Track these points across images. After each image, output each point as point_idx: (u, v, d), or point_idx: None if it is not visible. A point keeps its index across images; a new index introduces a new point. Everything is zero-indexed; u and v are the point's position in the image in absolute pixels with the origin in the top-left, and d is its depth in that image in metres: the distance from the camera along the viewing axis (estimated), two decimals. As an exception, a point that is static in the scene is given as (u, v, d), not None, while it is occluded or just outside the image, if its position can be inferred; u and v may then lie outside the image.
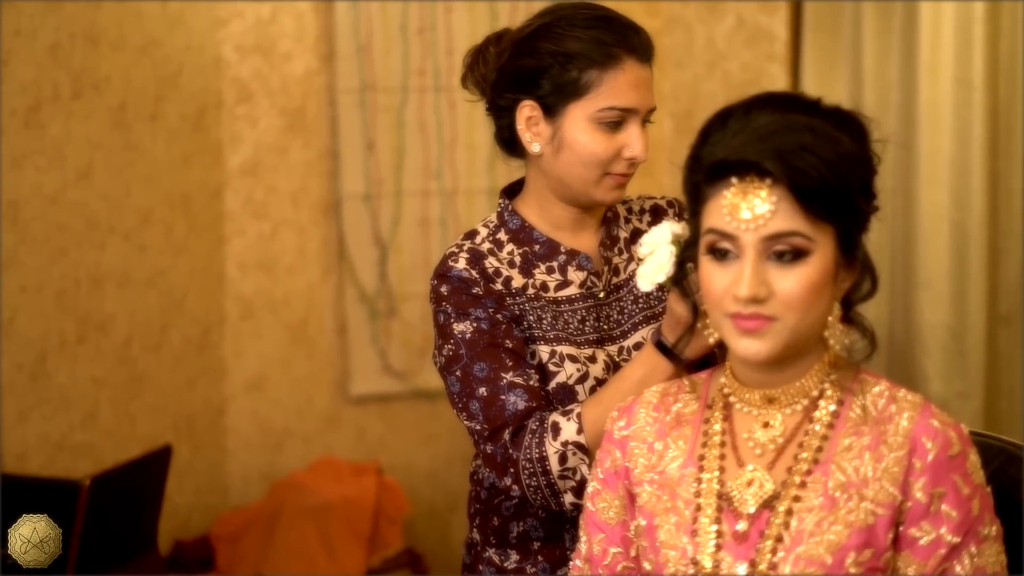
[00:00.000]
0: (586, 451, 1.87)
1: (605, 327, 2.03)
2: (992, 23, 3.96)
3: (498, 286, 1.98)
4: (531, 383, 1.93)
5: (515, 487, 1.92)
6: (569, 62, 1.94)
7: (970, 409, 3.95)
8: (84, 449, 3.53)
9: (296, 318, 4.24)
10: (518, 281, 2.00)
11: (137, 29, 3.74)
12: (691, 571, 1.55)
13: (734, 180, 1.52)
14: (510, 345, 1.95)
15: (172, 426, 3.92)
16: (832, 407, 1.58)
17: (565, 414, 1.90)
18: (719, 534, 1.55)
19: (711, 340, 1.61)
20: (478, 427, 1.94)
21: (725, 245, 1.53)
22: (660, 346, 1.87)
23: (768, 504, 1.54)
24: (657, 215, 2.11)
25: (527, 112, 1.98)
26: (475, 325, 1.95)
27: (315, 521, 3.85)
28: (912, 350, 4.07)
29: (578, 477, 1.87)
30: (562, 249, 2.03)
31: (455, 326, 1.96)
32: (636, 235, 2.07)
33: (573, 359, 1.98)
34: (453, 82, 2.07)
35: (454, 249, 2.02)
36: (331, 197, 4.23)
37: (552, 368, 1.97)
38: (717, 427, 1.62)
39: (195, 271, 4.02)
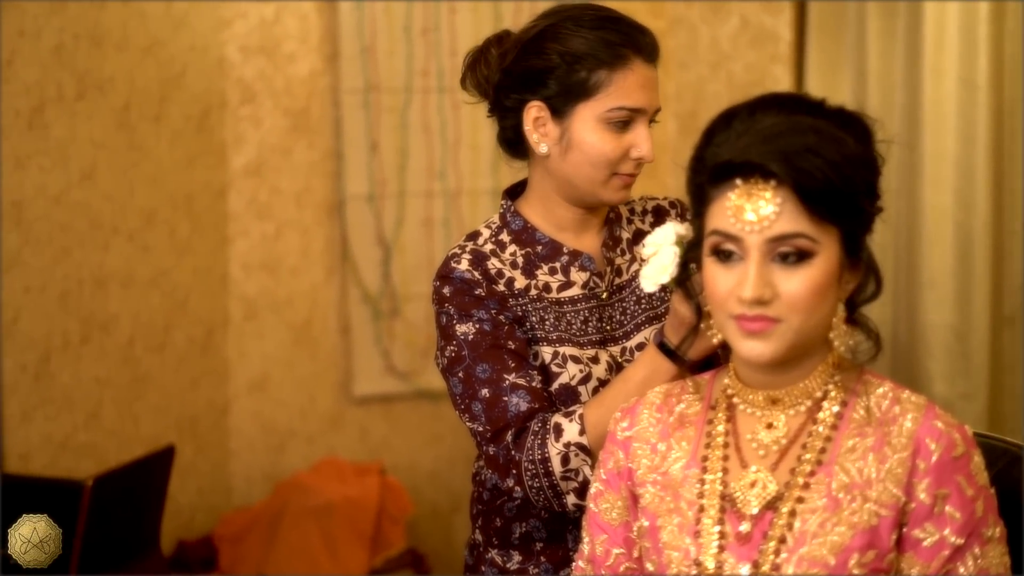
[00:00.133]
0: (588, 452, 1.87)
1: (608, 328, 2.03)
2: (996, 24, 3.96)
3: (501, 287, 1.98)
4: (534, 384, 1.93)
5: (517, 488, 1.91)
6: (577, 62, 1.94)
7: (974, 410, 3.95)
8: (87, 449, 3.53)
9: (300, 318, 4.24)
10: (521, 282, 2.00)
11: (141, 30, 3.74)
12: (694, 572, 1.55)
13: (738, 182, 1.51)
14: (513, 346, 1.95)
15: (175, 426, 3.92)
16: (836, 408, 1.58)
17: (567, 415, 1.89)
18: (722, 535, 1.55)
19: (715, 341, 1.61)
20: (480, 428, 1.94)
21: (729, 247, 1.53)
22: (662, 347, 1.87)
23: (771, 505, 1.54)
24: (659, 216, 2.11)
25: (535, 113, 1.98)
26: (478, 326, 1.95)
27: (318, 521, 3.86)
28: (916, 351, 4.06)
29: (580, 478, 1.87)
30: (565, 250, 2.03)
31: (458, 327, 1.96)
32: (638, 236, 2.07)
33: (576, 360, 1.97)
34: (457, 83, 2.07)
35: (456, 250, 2.02)
36: (335, 198, 4.23)
37: (555, 369, 1.97)
38: (720, 428, 1.62)
39: (199, 271, 4.03)
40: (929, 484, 1.51)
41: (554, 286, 2.01)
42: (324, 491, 3.94)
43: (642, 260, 1.85)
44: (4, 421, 3.23)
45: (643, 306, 2.05)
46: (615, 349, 2.02)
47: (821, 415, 1.58)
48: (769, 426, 1.59)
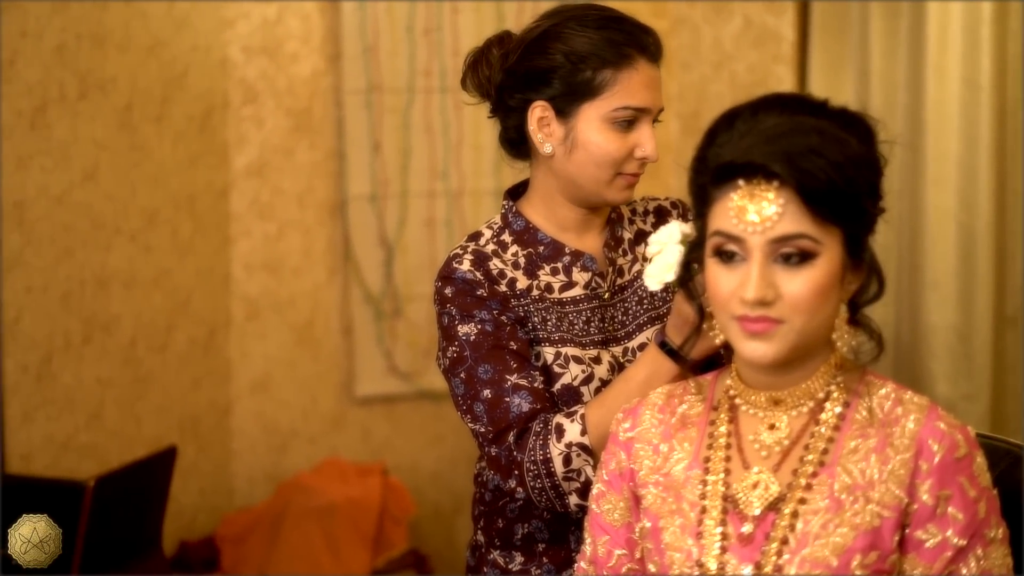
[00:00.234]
0: (590, 452, 1.87)
1: (610, 328, 2.02)
2: (1000, 24, 3.95)
3: (502, 288, 1.98)
4: (535, 385, 1.93)
5: (519, 489, 1.91)
6: (582, 62, 1.93)
7: (976, 411, 3.95)
8: (89, 450, 3.53)
9: (302, 319, 4.24)
10: (522, 282, 2.00)
11: (143, 30, 3.74)
12: (696, 573, 1.55)
13: (741, 182, 1.51)
14: (515, 347, 1.94)
15: (177, 427, 3.92)
16: (838, 409, 1.58)
17: (569, 416, 1.89)
18: (724, 536, 1.55)
19: (717, 341, 1.61)
20: (482, 429, 1.94)
21: (732, 247, 1.52)
22: (664, 347, 1.86)
23: (773, 506, 1.54)
24: (661, 216, 2.11)
25: (539, 112, 1.98)
26: (479, 327, 1.95)
27: (320, 522, 3.86)
28: (918, 352, 4.06)
29: (583, 479, 1.87)
30: (567, 250, 2.03)
31: (459, 328, 1.96)
32: (640, 236, 2.07)
33: (578, 360, 1.97)
34: (459, 83, 2.08)
35: (458, 251, 2.02)
36: (337, 198, 4.23)
37: (557, 369, 1.97)
38: (723, 429, 1.62)
39: (201, 272, 4.03)
40: (931, 485, 1.51)
41: (556, 286, 2.01)
42: (326, 492, 3.94)
43: (646, 259, 1.85)
44: (6, 421, 3.23)
45: (645, 306, 2.05)
46: (617, 349, 2.02)
47: (823, 416, 1.58)
48: (771, 427, 1.59)
